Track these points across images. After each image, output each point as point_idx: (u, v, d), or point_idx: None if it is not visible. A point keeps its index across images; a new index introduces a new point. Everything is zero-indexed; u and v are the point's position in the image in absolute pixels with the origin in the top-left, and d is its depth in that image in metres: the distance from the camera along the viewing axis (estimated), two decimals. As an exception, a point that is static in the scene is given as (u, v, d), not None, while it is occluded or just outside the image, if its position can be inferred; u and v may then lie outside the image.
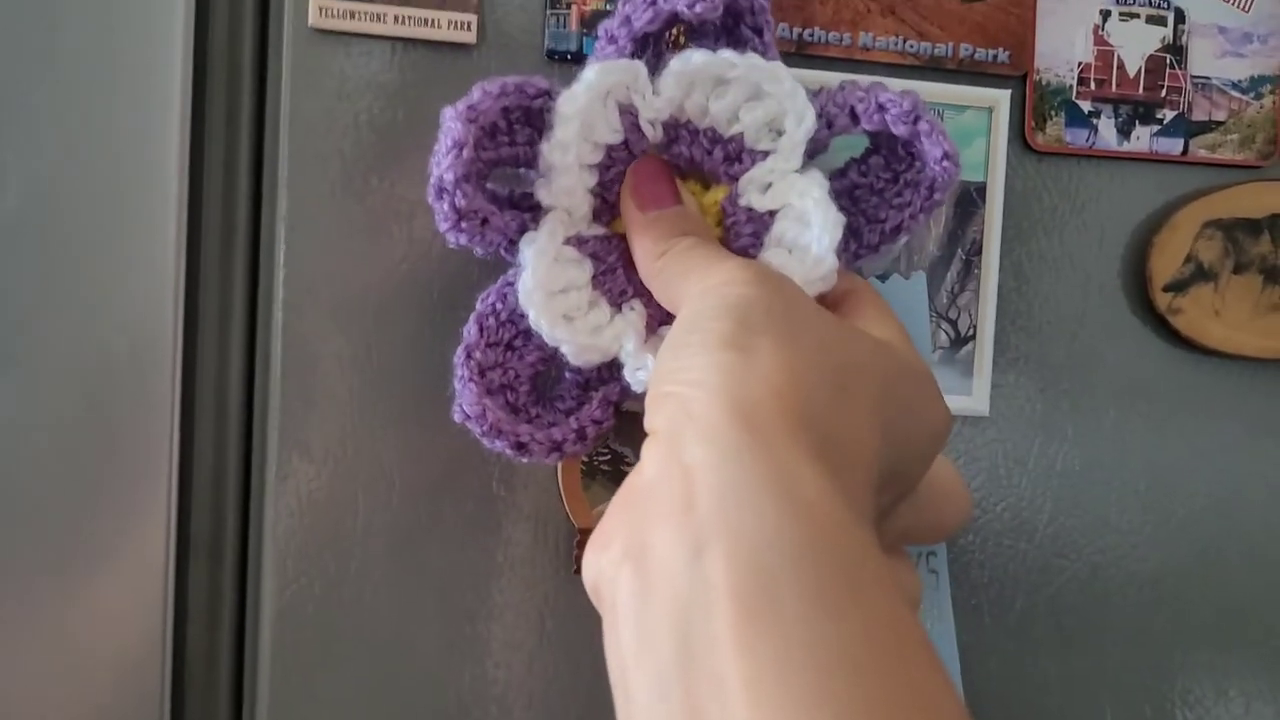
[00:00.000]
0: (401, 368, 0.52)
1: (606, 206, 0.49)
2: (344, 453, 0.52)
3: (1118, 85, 0.57)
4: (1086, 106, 0.57)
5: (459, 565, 0.53)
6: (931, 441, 0.42)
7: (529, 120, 0.47)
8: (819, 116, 0.48)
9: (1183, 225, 0.57)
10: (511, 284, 0.48)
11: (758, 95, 0.47)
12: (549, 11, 0.52)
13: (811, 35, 0.54)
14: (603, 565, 0.35)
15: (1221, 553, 0.60)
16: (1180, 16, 0.57)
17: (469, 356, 0.47)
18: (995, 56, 0.56)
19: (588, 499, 0.53)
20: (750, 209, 0.49)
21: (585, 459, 0.53)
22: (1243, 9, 0.58)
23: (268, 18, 0.52)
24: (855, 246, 0.49)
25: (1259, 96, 0.58)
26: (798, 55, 0.54)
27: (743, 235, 0.49)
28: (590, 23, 0.52)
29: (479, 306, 0.48)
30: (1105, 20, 0.57)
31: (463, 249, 0.46)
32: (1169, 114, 0.57)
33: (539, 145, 0.47)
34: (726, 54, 0.47)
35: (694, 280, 0.42)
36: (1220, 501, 0.60)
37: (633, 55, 0.47)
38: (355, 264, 0.51)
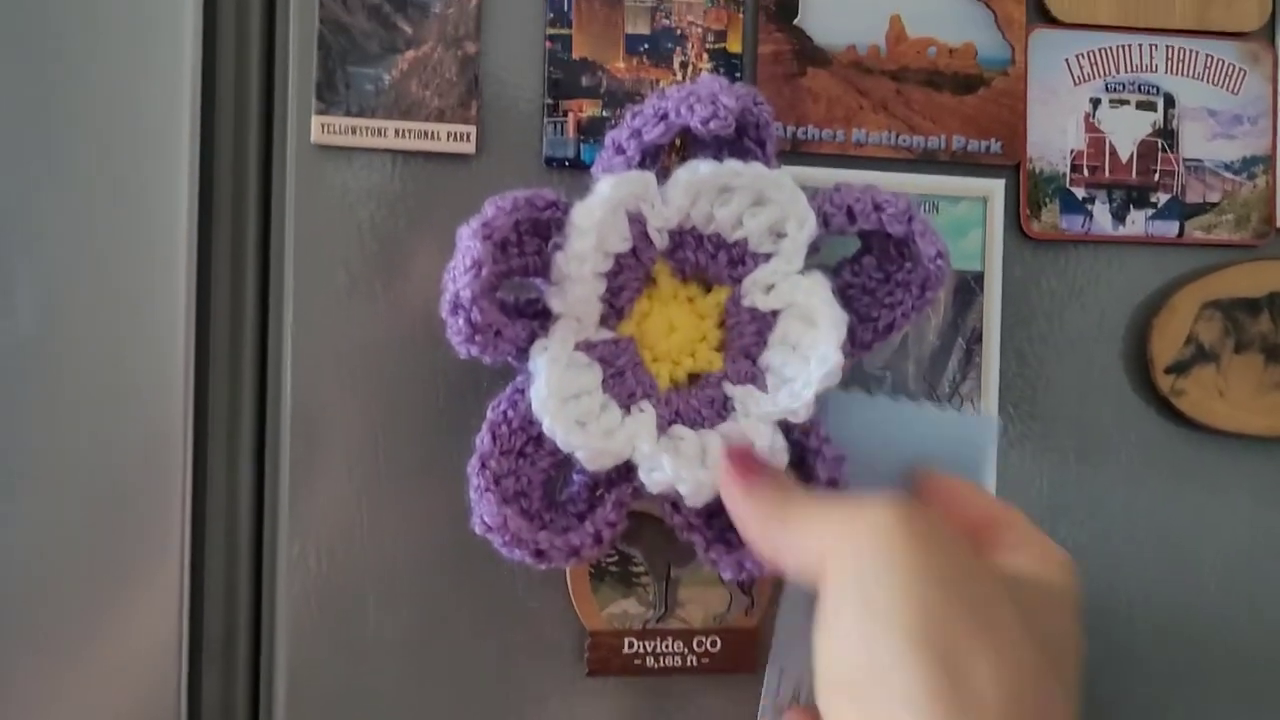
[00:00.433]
0: (409, 472, 0.59)
1: (614, 311, 0.57)
2: (353, 555, 0.59)
3: (1111, 171, 0.66)
4: (1081, 193, 0.65)
5: (471, 667, 0.60)
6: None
7: (537, 231, 0.55)
8: (817, 218, 0.56)
9: (1181, 307, 0.66)
10: (521, 391, 0.56)
11: (761, 201, 0.56)
12: (546, 120, 0.60)
13: (805, 133, 0.63)
14: None
15: (1235, 630, 0.68)
16: (1170, 101, 0.67)
17: (484, 466, 0.54)
18: (988, 147, 0.64)
19: (597, 601, 0.61)
20: (754, 309, 0.57)
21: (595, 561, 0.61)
22: (1232, 91, 0.67)
23: (272, 134, 0.60)
24: (850, 346, 0.57)
25: (1252, 176, 0.67)
26: (792, 153, 0.62)
27: (746, 334, 0.57)
28: (587, 130, 0.60)
29: (490, 415, 0.56)
30: (1096, 108, 0.66)
31: (472, 359, 0.54)
32: (1163, 197, 0.66)
33: (547, 254, 0.55)
34: (732, 164, 0.55)
35: (830, 529, 0.47)
36: (1231, 580, 0.68)
37: (640, 165, 0.55)
38: (362, 371, 0.59)
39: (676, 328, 0.58)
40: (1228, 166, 0.67)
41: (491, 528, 0.53)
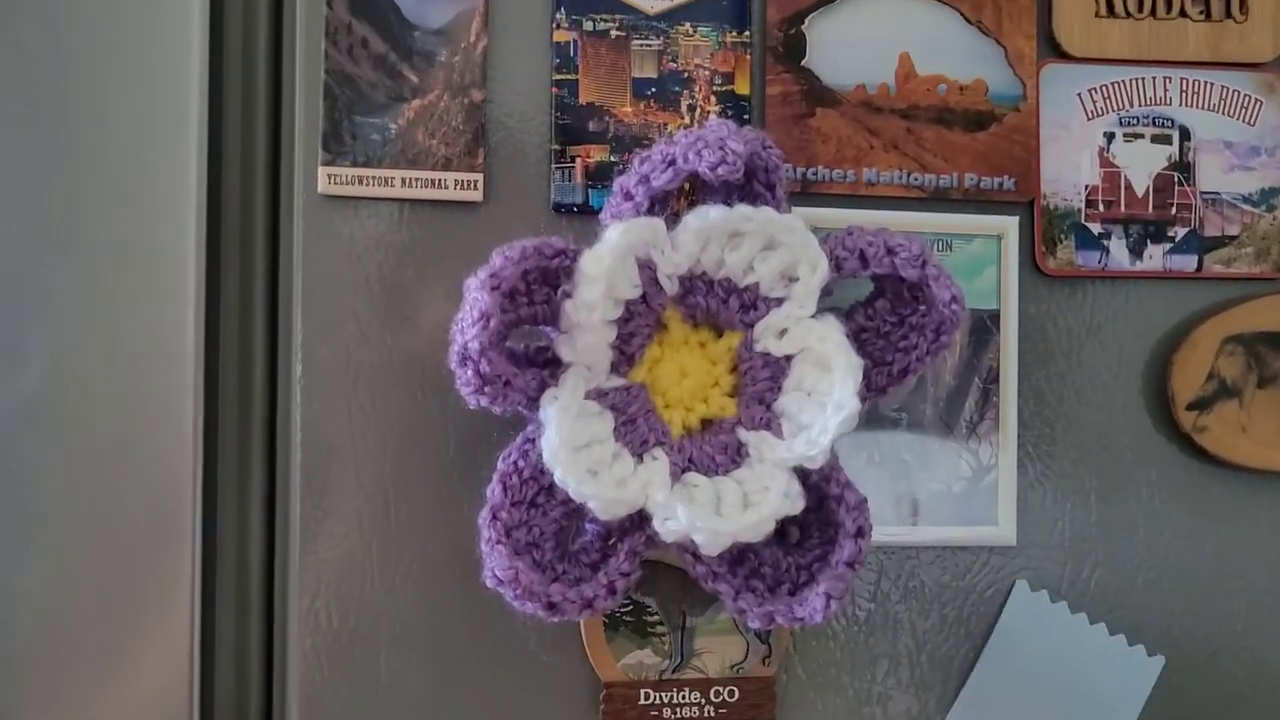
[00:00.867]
0: (420, 525, 0.59)
1: (624, 358, 0.57)
2: (365, 609, 0.59)
3: (1127, 205, 0.66)
4: (1096, 228, 0.65)
5: (487, 725, 0.60)
6: None
7: (546, 279, 0.55)
8: (830, 261, 0.56)
9: (1202, 342, 0.65)
10: (532, 441, 0.56)
11: (772, 246, 0.56)
12: (554, 166, 0.60)
13: (815, 174, 0.63)
14: None
15: (1263, 668, 0.67)
16: (1185, 134, 0.66)
17: (495, 518, 0.54)
18: (1001, 184, 0.64)
19: (611, 651, 0.60)
20: (766, 354, 0.57)
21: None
22: (1248, 123, 0.67)
23: (279, 186, 0.61)
24: (864, 390, 0.57)
25: (1271, 209, 0.67)
26: (802, 194, 0.62)
27: (759, 380, 0.57)
28: (595, 175, 0.60)
29: (500, 466, 0.56)
30: (1110, 142, 0.66)
31: (482, 409, 0.54)
32: (1180, 231, 0.66)
33: (556, 302, 0.55)
34: (742, 209, 0.55)
35: None
36: (1262, 621, 0.67)
37: (649, 211, 0.55)
38: (371, 423, 0.59)
39: (688, 374, 0.58)
40: (1246, 199, 0.67)
41: (503, 581, 0.53)
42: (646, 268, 0.55)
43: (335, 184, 0.59)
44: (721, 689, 0.61)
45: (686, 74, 0.62)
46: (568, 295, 0.54)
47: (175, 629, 0.59)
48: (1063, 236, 0.65)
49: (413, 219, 0.60)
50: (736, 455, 0.57)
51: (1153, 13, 0.66)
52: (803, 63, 0.63)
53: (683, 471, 0.56)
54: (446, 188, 0.59)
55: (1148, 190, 0.66)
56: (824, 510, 0.58)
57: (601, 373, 0.56)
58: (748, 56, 0.62)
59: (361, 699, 0.59)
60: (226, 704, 0.61)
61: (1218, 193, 0.67)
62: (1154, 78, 0.66)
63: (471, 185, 0.60)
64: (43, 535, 0.58)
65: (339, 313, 0.59)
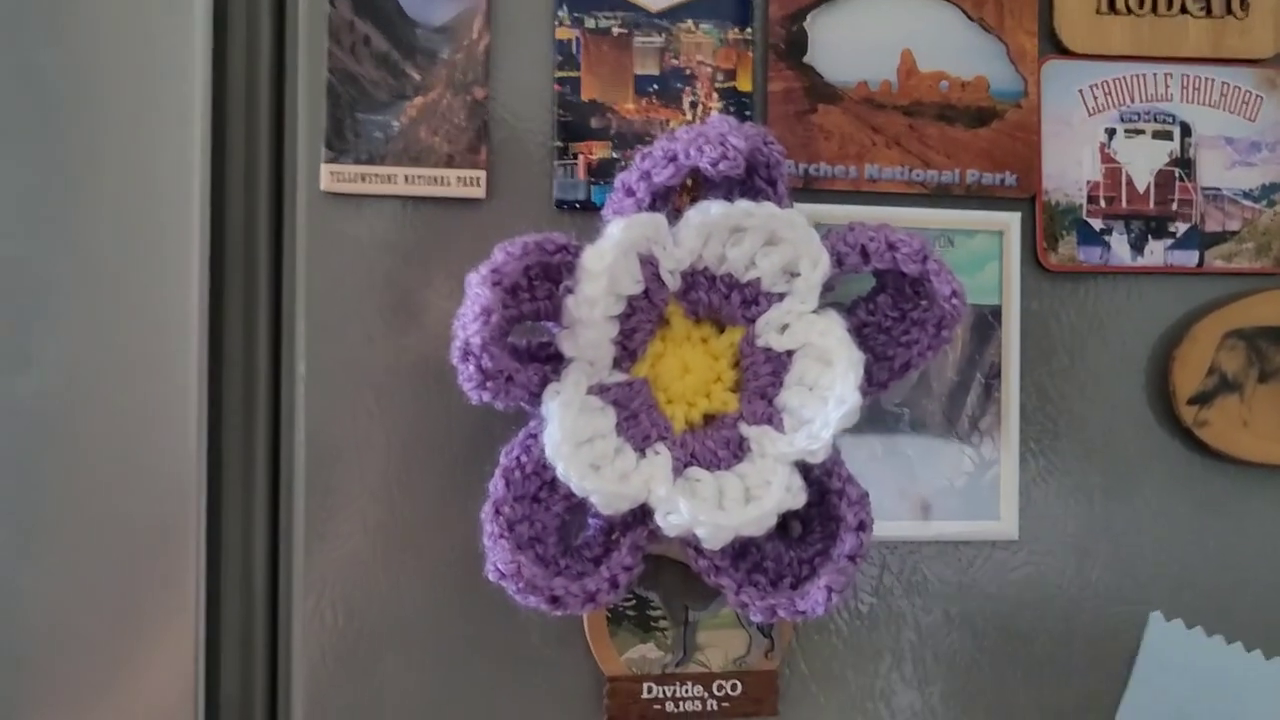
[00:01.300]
0: (424, 521, 0.60)
1: (627, 353, 0.57)
2: (369, 607, 0.60)
3: (1128, 201, 0.66)
4: (1098, 224, 0.66)
5: (489, 717, 0.60)
6: None
7: (548, 275, 0.55)
8: (831, 257, 0.57)
9: (1203, 337, 0.66)
10: (534, 436, 0.56)
11: (773, 241, 0.56)
12: (556, 162, 0.61)
13: (818, 170, 0.63)
14: None
15: (1271, 668, 0.67)
16: (1186, 130, 0.67)
17: (497, 512, 0.55)
18: (1003, 180, 0.65)
19: (615, 646, 0.61)
20: (768, 349, 0.58)
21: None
22: (1249, 119, 0.68)
23: (282, 185, 0.61)
24: (865, 385, 0.58)
25: (1272, 204, 0.67)
26: (805, 190, 0.63)
27: (761, 375, 0.58)
28: (598, 172, 0.61)
29: (503, 461, 0.56)
30: (1111, 138, 0.66)
31: (484, 404, 0.55)
32: (1182, 226, 0.67)
33: (558, 298, 0.55)
34: (743, 204, 0.56)
35: None
36: (1265, 614, 0.68)
37: (650, 207, 0.56)
38: (375, 420, 0.60)
39: (691, 369, 0.59)
40: (1247, 194, 0.67)
41: (505, 575, 0.53)
42: (648, 263, 0.56)
43: (338, 182, 0.59)
44: (724, 683, 0.62)
45: (689, 71, 0.62)
46: (570, 291, 0.55)
47: (180, 629, 0.59)
48: (1064, 232, 0.66)
49: (416, 216, 0.60)
50: (739, 450, 0.58)
51: (1154, 9, 0.67)
52: (805, 59, 0.63)
53: (685, 466, 0.57)
54: (449, 185, 0.60)
55: (1149, 186, 0.67)
56: (826, 504, 0.58)
57: (604, 368, 0.57)
58: (750, 53, 0.63)
59: (366, 697, 0.60)
60: (232, 703, 0.62)
61: (1219, 188, 0.67)
62: (1155, 74, 0.67)
63: (474, 182, 0.60)
64: (47, 536, 0.58)
65: (342, 310, 0.60)
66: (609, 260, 0.54)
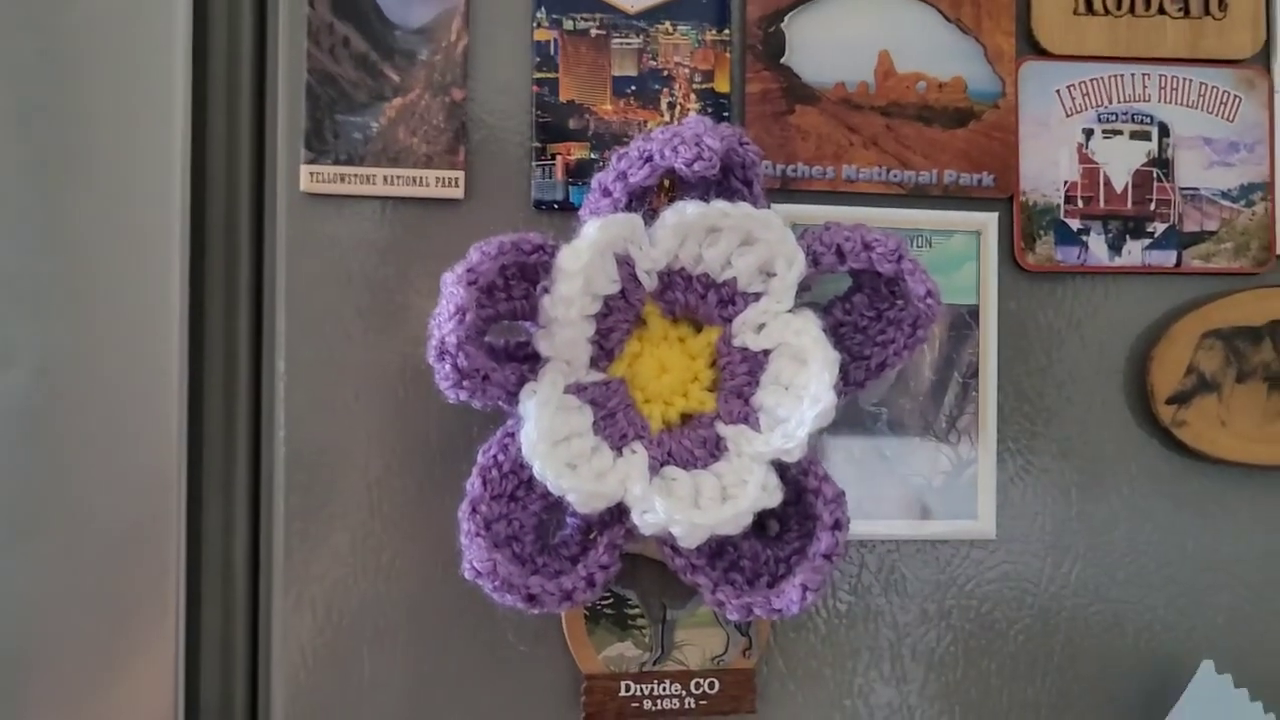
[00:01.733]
0: (402, 520, 0.61)
1: (604, 353, 0.58)
2: (348, 605, 0.60)
3: (1105, 201, 0.67)
4: (1075, 224, 0.66)
5: (469, 715, 0.61)
6: None
7: (525, 275, 0.56)
8: (807, 256, 0.57)
9: (1181, 337, 0.67)
10: (511, 435, 0.57)
11: (749, 241, 0.57)
12: (535, 163, 0.62)
13: (795, 170, 0.64)
14: None
15: (1245, 661, 0.68)
16: (1164, 130, 0.68)
17: (474, 511, 0.56)
18: (980, 181, 0.65)
19: (593, 644, 0.62)
20: (745, 348, 0.59)
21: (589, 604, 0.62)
22: (1228, 119, 0.68)
23: (263, 185, 0.62)
24: (841, 384, 0.58)
25: (1250, 204, 0.68)
26: (782, 190, 0.64)
27: (738, 374, 0.59)
28: (576, 172, 0.62)
29: (480, 460, 0.57)
30: (1089, 138, 0.67)
31: (461, 403, 0.55)
32: (1160, 226, 0.67)
33: (536, 298, 0.56)
34: (719, 204, 0.56)
35: None
36: (1243, 613, 0.68)
37: (627, 207, 0.57)
38: (355, 419, 0.60)
39: (668, 368, 0.59)
40: (1225, 194, 0.68)
41: (481, 573, 0.54)
42: (625, 264, 0.57)
43: (318, 182, 0.60)
44: (702, 681, 0.63)
45: (666, 72, 0.63)
46: (546, 291, 0.56)
47: (161, 629, 0.60)
48: (1042, 232, 0.66)
49: (394, 216, 0.61)
50: (715, 449, 0.58)
51: (1131, 10, 0.68)
52: (782, 60, 0.64)
53: (661, 465, 0.58)
54: (428, 185, 0.61)
55: (1127, 186, 0.67)
56: (803, 503, 0.59)
57: (581, 367, 0.57)
58: (727, 55, 0.64)
59: (346, 695, 0.60)
60: (212, 703, 0.62)
61: (1197, 188, 0.68)
62: (1133, 74, 0.68)
63: (453, 183, 0.61)
64: (28, 537, 0.59)
65: (322, 310, 0.60)
66: (585, 260, 0.55)
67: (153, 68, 0.60)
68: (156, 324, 0.60)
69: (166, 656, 0.60)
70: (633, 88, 0.63)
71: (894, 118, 0.65)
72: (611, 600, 0.62)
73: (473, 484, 0.56)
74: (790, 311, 0.58)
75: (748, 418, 0.58)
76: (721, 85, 0.64)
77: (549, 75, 0.62)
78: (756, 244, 0.57)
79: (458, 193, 0.61)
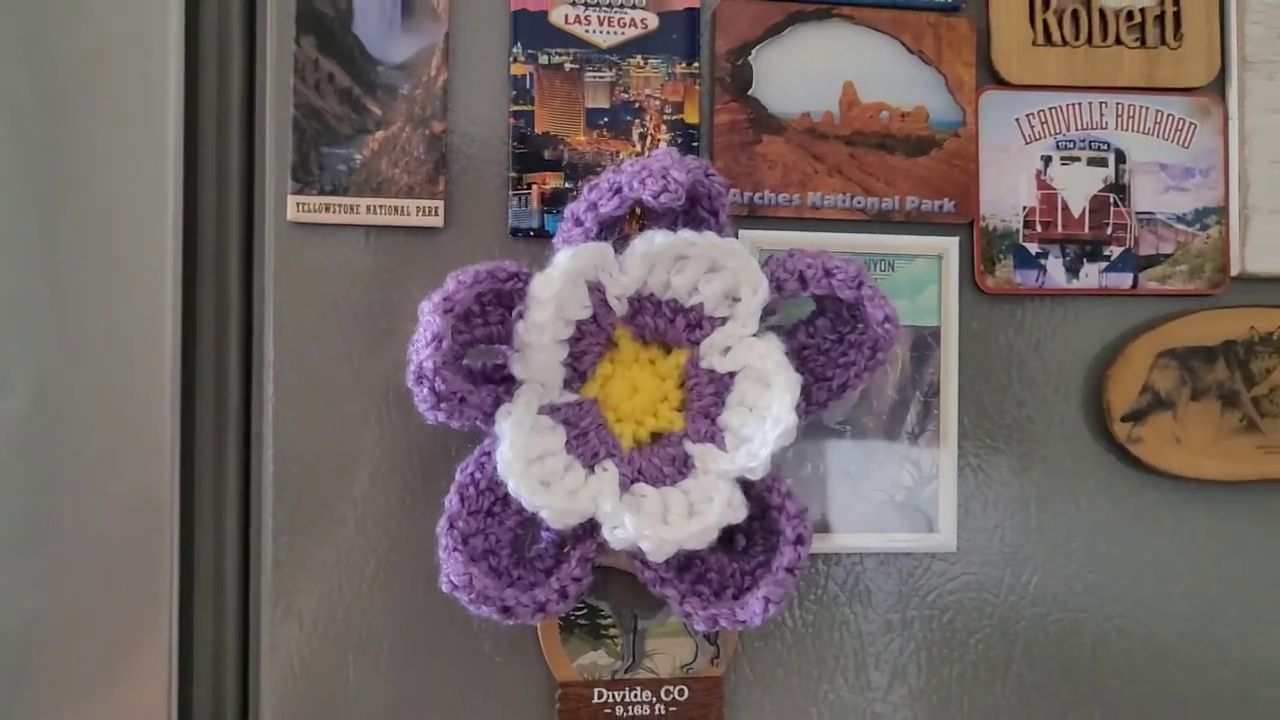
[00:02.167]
0: (385, 536, 0.64)
1: (576, 375, 0.61)
2: (334, 619, 0.63)
3: (1063, 226, 0.70)
4: (1034, 248, 0.69)
5: (449, 724, 0.65)
6: None
7: (500, 301, 0.59)
8: (771, 283, 0.60)
9: (1136, 357, 0.70)
10: (488, 454, 0.60)
11: (715, 268, 0.60)
12: (511, 192, 0.65)
13: (762, 198, 0.67)
14: None
15: (1203, 676, 0.71)
16: (1121, 157, 0.71)
17: (452, 526, 0.59)
18: (941, 206, 0.68)
19: (567, 653, 0.65)
20: (711, 370, 0.62)
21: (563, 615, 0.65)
22: (1183, 145, 0.71)
23: (253, 215, 0.65)
24: (805, 405, 0.61)
25: (1205, 228, 0.71)
26: (750, 217, 0.67)
27: (705, 395, 0.62)
28: (551, 201, 0.65)
29: (458, 477, 0.60)
30: (1047, 165, 0.70)
31: (441, 424, 0.59)
32: (1116, 250, 0.70)
33: (511, 323, 0.59)
34: (686, 234, 0.60)
35: None
36: (1198, 625, 0.71)
37: (598, 236, 0.60)
38: (340, 440, 0.63)
39: (639, 389, 0.63)
40: (1180, 218, 0.71)
41: (457, 586, 0.57)
42: (596, 290, 0.60)
43: (304, 212, 0.63)
44: (671, 688, 0.66)
45: (638, 104, 0.66)
46: (521, 316, 0.59)
47: (155, 640, 0.63)
48: (1001, 256, 0.69)
49: (377, 244, 0.64)
50: (684, 467, 0.61)
51: (1089, 40, 0.70)
52: (750, 92, 0.67)
53: (632, 482, 0.61)
54: (409, 214, 0.64)
55: (1084, 211, 0.70)
56: (767, 519, 0.62)
57: (555, 389, 0.60)
58: (697, 87, 0.67)
59: (333, 703, 0.64)
60: (204, 711, 0.66)
61: (1153, 213, 0.71)
62: (1090, 103, 0.71)
63: (433, 212, 0.64)
64: (23, 555, 0.62)
65: (309, 334, 0.64)
66: (556, 288, 0.58)
67: (147, 101, 0.64)
68: (150, 349, 0.63)
69: (160, 666, 0.63)
70: (605, 119, 0.66)
71: (858, 146, 0.68)
72: (585, 611, 0.65)
73: (450, 501, 0.60)
74: (755, 335, 0.61)
75: (714, 437, 0.61)
76: (691, 116, 0.67)
77: (525, 108, 0.65)
78: (722, 271, 0.60)
79: (438, 221, 0.64)
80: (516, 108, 0.65)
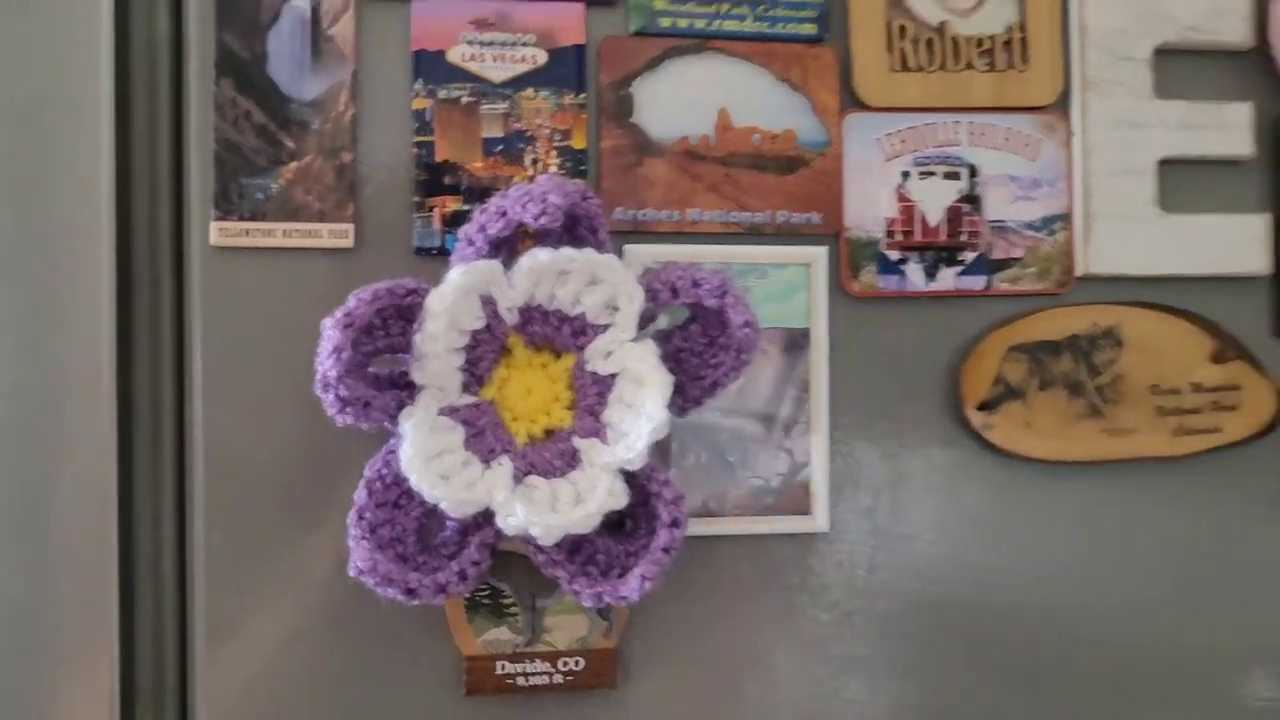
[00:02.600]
0: (303, 528, 0.71)
1: (475, 379, 0.68)
2: (261, 602, 0.71)
3: (922, 234, 0.77)
4: (895, 255, 0.77)
5: (366, 694, 0.72)
6: None
7: (401, 315, 0.66)
8: (646, 293, 0.67)
9: (989, 351, 0.77)
10: (394, 451, 0.67)
11: (595, 281, 0.67)
12: (415, 215, 0.72)
13: (645, 215, 0.74)
14: None
15: (1050, 652, 0.79)
16: (974, 171, 0.78)
17: (360, 517, 0.66)
18: (809, 219, 0.76)
19: (472, 630, 0.72)
20: (595, 373, 0.68)
21: (468, 595, 0.72)
22: (1030, 158, 0.78)
23: (182, 241, 0.72)
24: (682, 401, 0.69)
25: (1052, 233, 0.78)
26: (634, 233, 0.74)
27: (589, 395, 0.69)
28: (451, 222, 0.72)
29: (366, 473, 0.67)
30: (906, 180, 0.77)
31: (352, 426, 0.65)
32: (970, 255, 0.77)
33: (410, 334, 0.66)
34: (567, 251, 0.66)
35: None
36: (1056, 599, 0.79)
37: (490, 254, 0.67)
38: (264, 441, 0.70)
39: (533, 390, 0.69)
40: (1029, 225, 0.78)
41: (363, 570, 0.64)
42: (489, 302, 0.67)
43: (226, 236, 0.70)
44: (568, 660, 0.73)
45: (529, 133, 0.73)
46: (418, 328, 0.65)
47: (100, 627, 0.70)
48: (865, 263, 0.76)
49: (293, 265, 0.71)
50: (572, 460, 0.68)
51: (943, 66, 0.78)
52: (632, 119, 0.74)
53: (525, 475, 0.67)
54: (322, 237, 0.71)
55: (941, 221, 0.77)
56: (648, 505, 0.69)
57: (454, 392, 0.67)
58: (584, 116, 0.74)
59: (267, 679, 0.71)
60: (146, 687, 0.73)
61: (1004, 221, 0.78)
62: (945, 122, 0.78)
63: (343, 234, 0.71)
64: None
65: (234, 347, 0.70)
66: (448, 302, 0.65)
67: (84, 140, 0.70)
68: (87, 364, 0.70)
69: (106, 644, 0.70)
70: (500, 147, 0.73)
71: (732, 166, 0.75)
72: (488, 591, 0.72)
73: (359, 494, 0.66)
74: (633, 340, 0.68)
75: (599, 432, 0.68)
76: (579, 143, 0.74)
77: (426, 139, 0.72)
78: (601, 283, 0.67)
79: (348, 243, 0.71)
80: (419, 138, 0.72)
